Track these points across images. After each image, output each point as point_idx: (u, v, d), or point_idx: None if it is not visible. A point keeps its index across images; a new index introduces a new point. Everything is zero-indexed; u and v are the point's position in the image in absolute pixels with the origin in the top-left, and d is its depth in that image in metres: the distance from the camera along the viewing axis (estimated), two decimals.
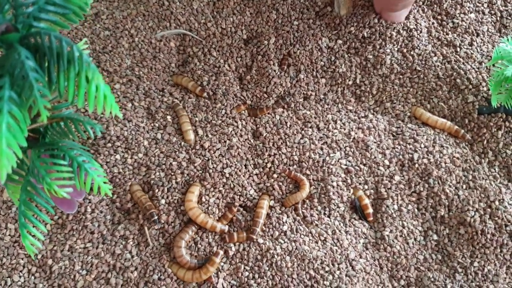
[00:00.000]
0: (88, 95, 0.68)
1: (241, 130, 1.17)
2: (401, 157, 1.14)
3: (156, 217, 1.04)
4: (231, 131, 1.16)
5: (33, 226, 0.78)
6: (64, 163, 0.77)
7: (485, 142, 1.18)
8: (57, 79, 0.69)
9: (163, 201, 1.06)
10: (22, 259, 1.01)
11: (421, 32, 1.28)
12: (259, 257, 1.03)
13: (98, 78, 0.69)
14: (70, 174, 0.76)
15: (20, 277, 1.00)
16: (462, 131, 1.19)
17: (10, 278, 0.99)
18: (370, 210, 1.10)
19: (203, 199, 1.07)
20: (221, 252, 1.02)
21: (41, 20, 0.71)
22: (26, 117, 0.66)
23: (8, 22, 0.67)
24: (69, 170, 0.76)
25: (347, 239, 1.07)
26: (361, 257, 1.06)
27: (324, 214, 1.10)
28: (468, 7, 1.31)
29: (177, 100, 1.19)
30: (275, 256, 1.02)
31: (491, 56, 1.25)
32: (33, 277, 1.01)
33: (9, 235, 1.03)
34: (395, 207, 1.11)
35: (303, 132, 1.17)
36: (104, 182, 0.81)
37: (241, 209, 1.10)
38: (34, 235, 0.78)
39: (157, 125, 1.15)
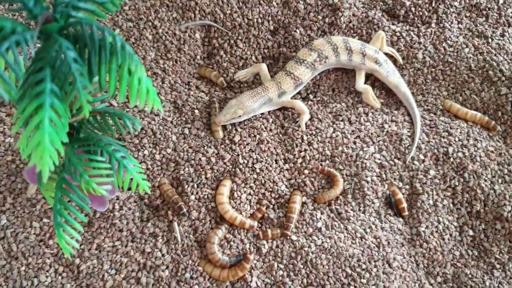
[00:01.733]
0: (130, 88, 0.65)
1: (270, 125, 1.14)
2: (435, 150, 1.11)
3: (184, 210, 1.01)
4: (261, 126, 1.12)
5: (69, 225, 0.75)
6: (103, 160, 0.73)
7: None
8: (98, 71, 0.66)
9: (193, 197, 1.03)
10: (49, 258, 0.98)
11: (452, 23, 1.24)
12: (293, 254, 1.00)
13: (141, 70, 0.66)
14: (109, 171, 0.73)
15: (47, 277, 0.97)
16: (493, 122, 1.16)
17: (36, 278, 0.96)
18: (405, 205, 1.07)
19: (235, 195, 1.04)
20: (251, 258, 0.99)
21: (80, 9, 0.68)
22: (67, 111, 0.63)
23: (47, 12, 0.64)
24: (108, 167, 0.73)
25: (383, 235, 1.04)
26: (397, 254, 1.03)
27: (359, 210, 1.07)
28: None
29: (203, 94, 1.16)
30: (310, 253, 0.99)
31: None
32: (60, 277, 0.97)
33: (34, 233, 1.00)
34: (431, 202, 1.08)
35: (334, 125, 1.14)
36: (143, 179, 0.78)
37: (273, 205, 1.07)
38: (70, 234, 0.75)
39: (184, 119, 1.12)
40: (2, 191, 1.02)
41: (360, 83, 1.17)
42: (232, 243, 1.01)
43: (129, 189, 1.03)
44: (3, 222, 0.98)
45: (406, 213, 1.07)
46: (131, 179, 0.77)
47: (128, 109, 1.10)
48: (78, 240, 0.99)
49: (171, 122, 1.11)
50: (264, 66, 1.17)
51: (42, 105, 0.60)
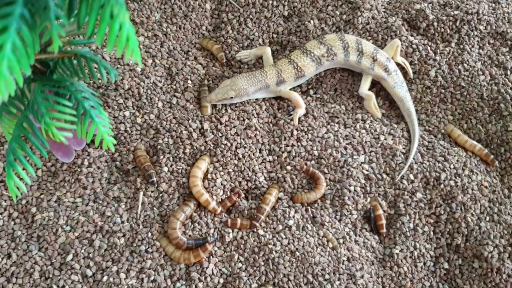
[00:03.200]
0: (110, 33, 0.60)
1: (262, 112, 1.08)
2: (427, 174, 1.05)
3: (154, 179, 0.96)
4: (252, 111, 1.07)
5: (22, 168, 0.70)
6: (69, 105, 0.68)
7: None
8: (78, 8, 0.61)
9: (166, 169, 0.98)
10: (5, 201, 0.94)
11: (472, 46, 1.18)
12: (256, 249, 0.95)
13: (124, 15, 0.60)
14: (73, 118, 0.68)
15: None
16: (492, 156, 1.10)
17: None
18: (384, 222, 1.02)
19: (210, 177, 0.99)
20: (209, 248, 0.93)
21: None
22: (35, 42, 0.58)
23: None
24: (72, 113, 0.68)
25: (354, 249, 0.98)
26: (365, 272, 0.97)
27: (336, 218, 1.01)
28: None
29: (200, 66, 1.11)
30: (274, 252, 0.94)
31: None
32: (12, 222, 0.93)
33: None
34: (411, 225, 1.02)
35: (328, 126, 1.09)
36: (109, 135, 0.73)
37: (246, 196, 1.02)
38: (21, 177, 0.70)
39: (175, 87, 1.07)
40: None
41: (365, 88, 1.11)
42: (196, 224, 0.96)
43: (101, 147, 0.98)
44: None
45: (384, 230, 1.02)
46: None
47: (119, 66, 1.05)
48: (28, 185, 0.94)
49: (161, 88, 1.06)
50: (268, 50, 1.11)
51: (7, 28, 0.55)
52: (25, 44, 0.56)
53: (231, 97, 1.04)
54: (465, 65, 1.16)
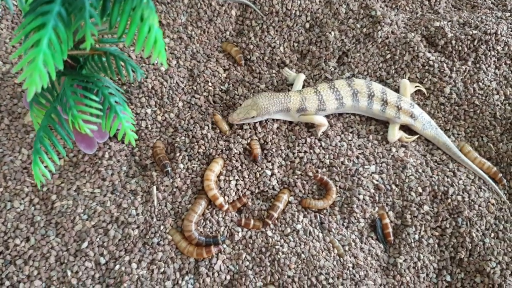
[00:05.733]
0: (139, 34, 0.64)
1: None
2: (436, 187, 1.08)
3: (169, 169, 1.00)
4: None
5: (47, 155, 0.74)
6: (96, 99, 0.73)
7: None
8: (111, 9, 0.65)
9: (181, 166, 1.02)
10: (28, 187, 0.98)
11: (489, 66, 1.21)
12: (263, 249, 0.98)
13: (153, 18, 0.64)
14: (99, 112, 0.72)
15: (20, 204, 0.97)
16: (500, 174, 1.12)
17: (10, 202, 0.96)
18: (390, 230, 1.04)
19: (223, 178, 1.03)
20: (213, 251, 0.97)
21: None
22: (70, 39, 0.62)
23: None
24: (98, 107, 0.72)
25: (359, 256, 1.01)
26: (369, 279, 1.00)
27: (343, 225, 1.04)
28: None
29: (222, 69, 1.15)
30: (280, 253, 0.97)
31: None
32: (33, 208, 0.97)
33: (21, 159, 1.00)
34: (416, 236, 1.04)
35: (342, 135, 1.12)
36: (131, 130, 0.77)
37: (258, 197, 1.05)
38: (46, 165, 0.74)
39: (195, 89, 1.11)
40: (1, 111, 1.03)
41: (393, 136, 1.13)
42: (208, 222, 1.00)
43: (122, 142, 1.02)
44: None
45: (392, 238, 1.04)
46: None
47: (144, 65, 1.10)
48: (52, 172, 0.99)
49: (183, 89, 1.10)
50: (303, 76, 1.15)
51: (45, 25, 0.59)
52: (60, 40, 0.61)
53: (252, 116, 1.05)
54: (480, 84, 1.19)
